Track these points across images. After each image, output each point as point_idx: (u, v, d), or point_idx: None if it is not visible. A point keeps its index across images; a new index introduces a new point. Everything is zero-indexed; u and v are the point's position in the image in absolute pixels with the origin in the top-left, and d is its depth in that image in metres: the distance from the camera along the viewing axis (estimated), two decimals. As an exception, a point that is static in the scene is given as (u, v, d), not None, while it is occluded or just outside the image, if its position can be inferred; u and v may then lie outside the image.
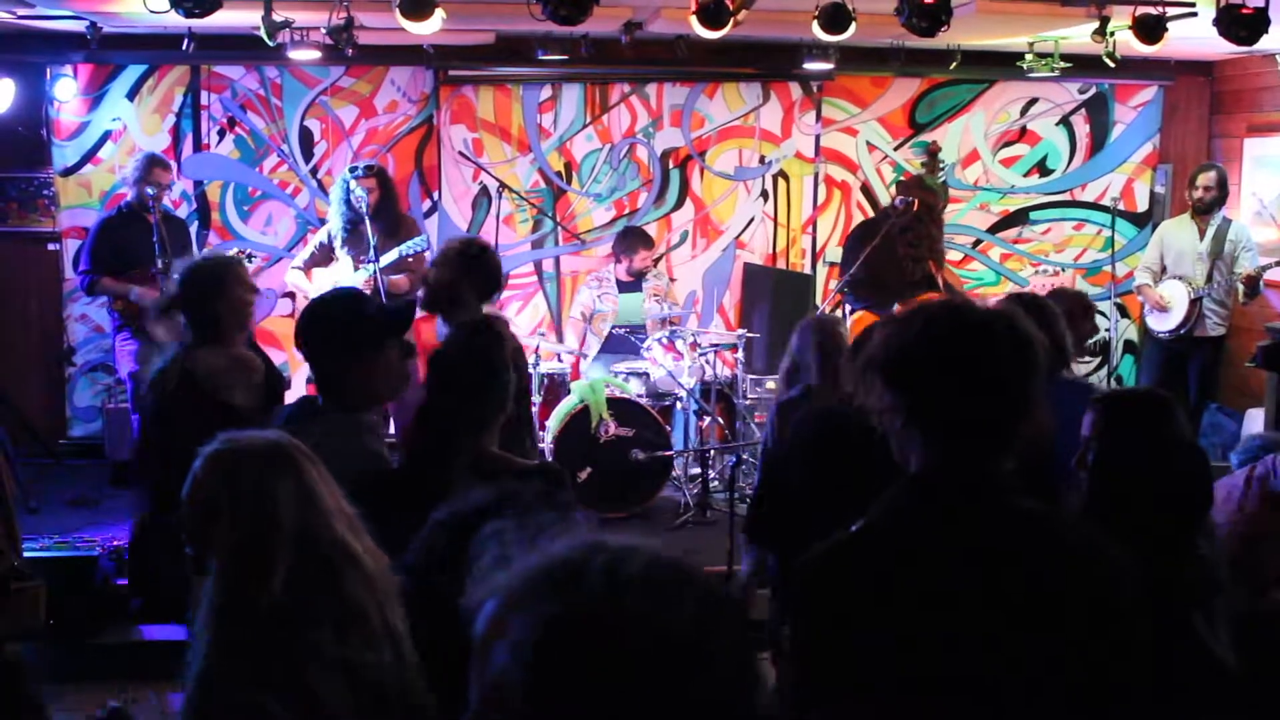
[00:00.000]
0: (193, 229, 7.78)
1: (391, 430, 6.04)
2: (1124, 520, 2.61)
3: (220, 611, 2.19)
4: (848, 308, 7.08)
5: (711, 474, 7.15)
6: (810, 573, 1.91)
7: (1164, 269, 7.50)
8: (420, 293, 4.46)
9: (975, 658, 1.79)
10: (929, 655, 1.78)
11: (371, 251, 6.48)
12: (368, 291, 6.58)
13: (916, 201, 6.83)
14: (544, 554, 1.16)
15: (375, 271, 6.42)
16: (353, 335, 3.21)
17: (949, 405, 1.87)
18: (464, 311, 4.38)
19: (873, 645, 1.80)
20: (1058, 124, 8.69)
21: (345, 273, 6.79)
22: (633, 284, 7.72)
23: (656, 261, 8.10)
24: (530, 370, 7.05)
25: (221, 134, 8.13)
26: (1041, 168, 8.73)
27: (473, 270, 4.55)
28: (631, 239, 7.71)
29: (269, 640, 2.15)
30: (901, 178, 8.29)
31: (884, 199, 8.44)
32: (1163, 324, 7.43)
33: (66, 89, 7.79)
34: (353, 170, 6.80)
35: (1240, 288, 7.13)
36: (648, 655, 1.07)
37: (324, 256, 6.95)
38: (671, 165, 8.44)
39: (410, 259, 6.62)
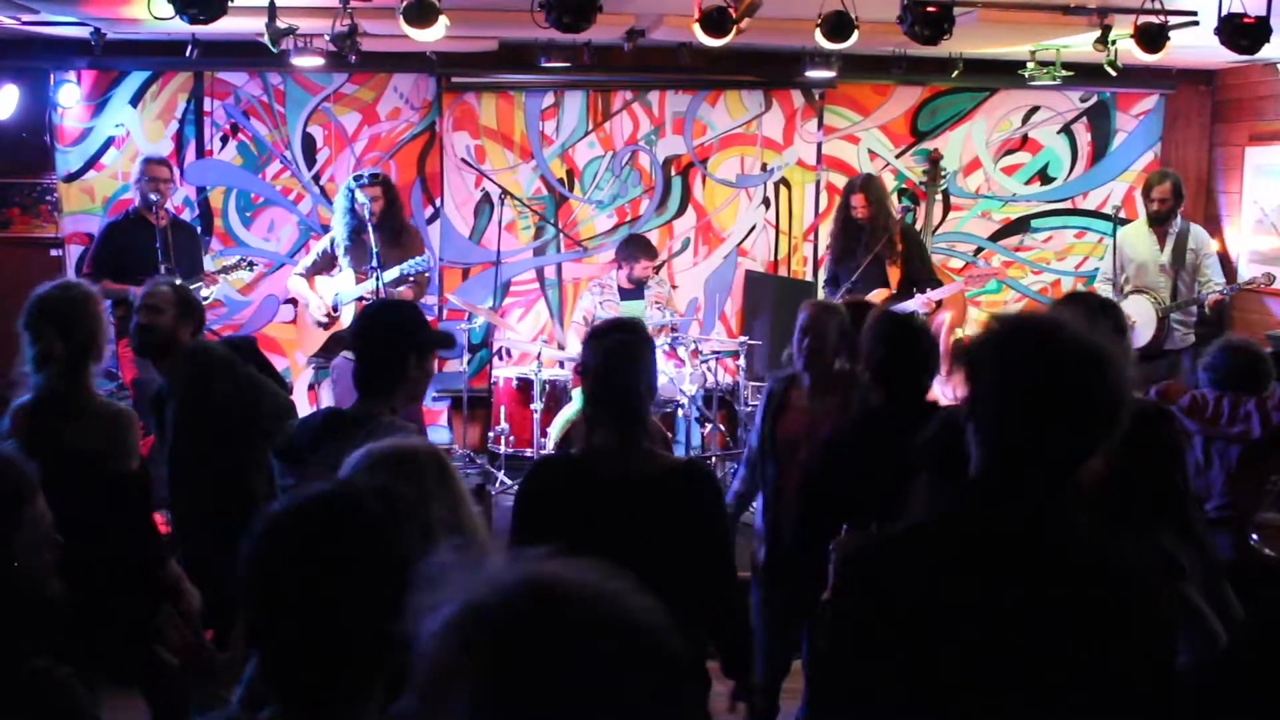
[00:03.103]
0: (195, 235, 7.79)
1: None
2: (1125, 523, 2.68)
3: None
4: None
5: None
6: (864, 569, 1.94)
7: (1125, 279, 7.45)
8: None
9: (1005, 669, 1.80)
10: (962, 663, 1.80)
11: (374, 259, 6.48)
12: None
13: (919, 209, 6.89)
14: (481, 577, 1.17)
15: (380, 281, 6.41)
16: (420, 338, 3.53)
17: (1013, 414, 1.87)
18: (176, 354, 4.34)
19: (912, 647, 1.82)
20: (1059, 132, 8.70)
21: (347, 283, 6.79)
22: (635, 291, 7.72)
23: (658, 269, 8.11)
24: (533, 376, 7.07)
25: (224, 140, 8.14)
26: (1043, 176, 8.73)
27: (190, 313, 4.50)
28: (634, 248, 7.72)
29: None
30: (904, 185, 8.31)
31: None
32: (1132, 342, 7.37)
33: (70, 95, 7.81)
34: (357, 178, 6.81)
35: (1206, 310, 7.18)
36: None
37: (326, 264, 6.95)
38: (673, 172, 8.45)
39: (412, 277, 6.64)
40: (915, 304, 6.80)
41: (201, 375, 4.04)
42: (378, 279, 6.44)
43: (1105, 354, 1.89)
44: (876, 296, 6.96)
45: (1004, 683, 1.80)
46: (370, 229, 6.56)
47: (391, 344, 3.51)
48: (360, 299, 6.68)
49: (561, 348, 8.04)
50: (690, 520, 2.98)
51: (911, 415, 3.75)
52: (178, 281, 5.07)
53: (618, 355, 3.07)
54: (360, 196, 6.65)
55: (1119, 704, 1.82)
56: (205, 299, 7.24)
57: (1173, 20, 5.72)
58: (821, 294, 7.66)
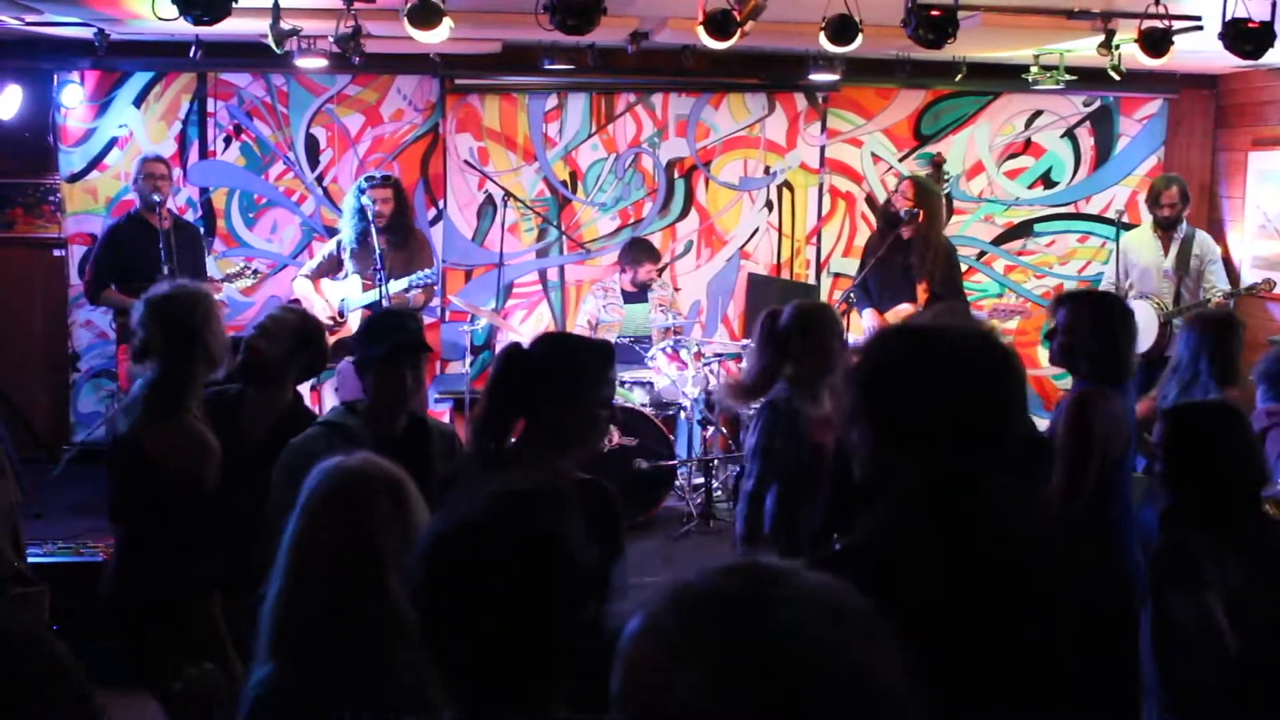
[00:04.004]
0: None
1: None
2: (1197, 518, 2.82)
3: None
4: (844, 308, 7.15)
5: (715, 483, 7.15)
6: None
7: (1130, 284, 7.44)
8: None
9: (966, 672, 1.78)
10: (920, 673, 1.78)
11: (378, 262, 6.46)
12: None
13: (923, 213, 6.84)
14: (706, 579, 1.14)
15: (384, 290, 6.39)
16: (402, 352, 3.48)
17: (925, 426, 1.86)
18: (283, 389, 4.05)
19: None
20: (1062, 136, 8.70)
21: (354, 289, 6.78)
22: (638, 294, 7.72)
23: (661, 272, 8.12)
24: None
25: (228, 141, 8.15)
26: (1046, 180, 8.73)
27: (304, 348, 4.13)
28: (637, 251, 7.72)
29: None
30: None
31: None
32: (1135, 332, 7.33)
33: (73, 95, 7.81)
34: (369, 180, 6.78)
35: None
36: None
37: (332, 267, 6.94)
38: (676, 175, 8.45)
39: (420, 288, 6.62)
40: None
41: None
42: (381, 284, 6.41)
43: (1002, 347, 1.90)
44: (901, 313, 6.91)
45: (964, 684, 1.78)
46: (375, 233, 6.54)
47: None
48: (368, 307, 6.67)
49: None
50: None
51: None
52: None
53: (504, 365, 2.98)
54: (366, 199, 6.64)
55: (1074, 690, 1.81)
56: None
57: (1176, 25, 5.71)
58: (824, 298, 7.66)
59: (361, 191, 6.70)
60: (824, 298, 8.35)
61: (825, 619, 1.09)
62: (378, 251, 6.46)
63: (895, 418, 1.88)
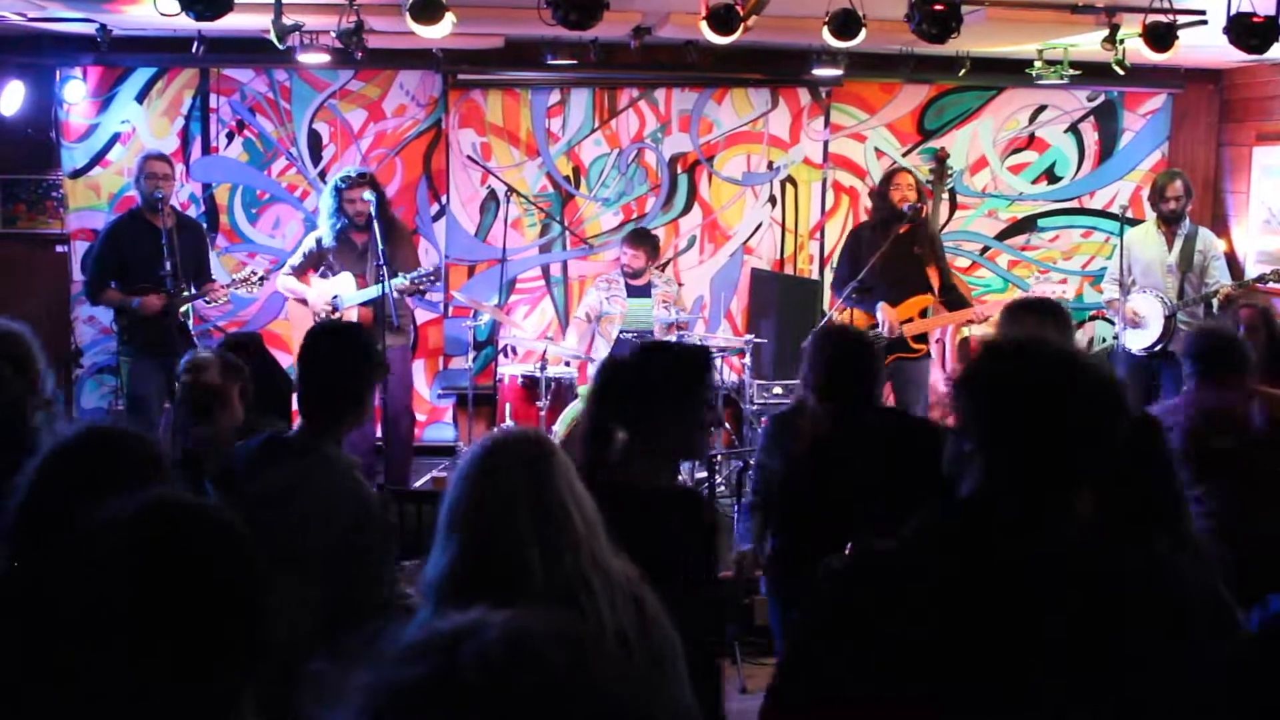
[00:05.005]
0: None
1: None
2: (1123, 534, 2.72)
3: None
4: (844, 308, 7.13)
5: (717, 479, 7.14)
6: (841, 584, 1.90)
7: (1133, 280, 7.43)
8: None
9: (998, 686, 1.77)
10: (952, 675, 1.77)
11: (380, 258, 6.44)
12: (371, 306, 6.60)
13: (925, 207, 6.85)
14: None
15: (387, 285, 6.38)
16: (367, 366, 3.33)
17: (1017, 435, 1.86)
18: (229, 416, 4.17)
19: (894, 660, 1.78)
20: (1066, 131, 8.68)
21: (347, 286, 6.76)
22: (642, 289, 7.71)
23: (664, 267, 8.10)
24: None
25: (230, 137, 8.14)
26: (1050, 175, 8.71)
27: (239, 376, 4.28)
28: (624, 237, 7.77)
29: None
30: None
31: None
32: (1138, 341, 7.31)
33: (76, 91, 7.81)
34: (344, 179, 6.77)
35: (1215, 304, 7.14)
36: None
37: (314, 262, 6.93)
38: (679, 170, 8.44)
39: (423, 286, 6.62)
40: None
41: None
42: (383, 281, 6.40)
43: (1107, 374, 1.90)
44: (920, 303, 6.89)
45: (995, 696, 1.77)
46: (371, 227, 6.53)
47: (346, 371, 3.27)
48: (366, 303, 6.67)
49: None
50: (672, 544, 2.82)
51: (863, 426, 3.77)
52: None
53: (606, 376, 3.02)
54: (352, 197, 6.64)
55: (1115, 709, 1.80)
56: (210, 305, 7.22)
57: (1181, 19, 5.70)
58: (828, 295, 7.63)
59: (338, 191, 6.70)
60: (826, 293, 8.34)
61: (536, 670, 1.00)
62: (381, 249, 6.45)
63: (983, 422, 1.89)
